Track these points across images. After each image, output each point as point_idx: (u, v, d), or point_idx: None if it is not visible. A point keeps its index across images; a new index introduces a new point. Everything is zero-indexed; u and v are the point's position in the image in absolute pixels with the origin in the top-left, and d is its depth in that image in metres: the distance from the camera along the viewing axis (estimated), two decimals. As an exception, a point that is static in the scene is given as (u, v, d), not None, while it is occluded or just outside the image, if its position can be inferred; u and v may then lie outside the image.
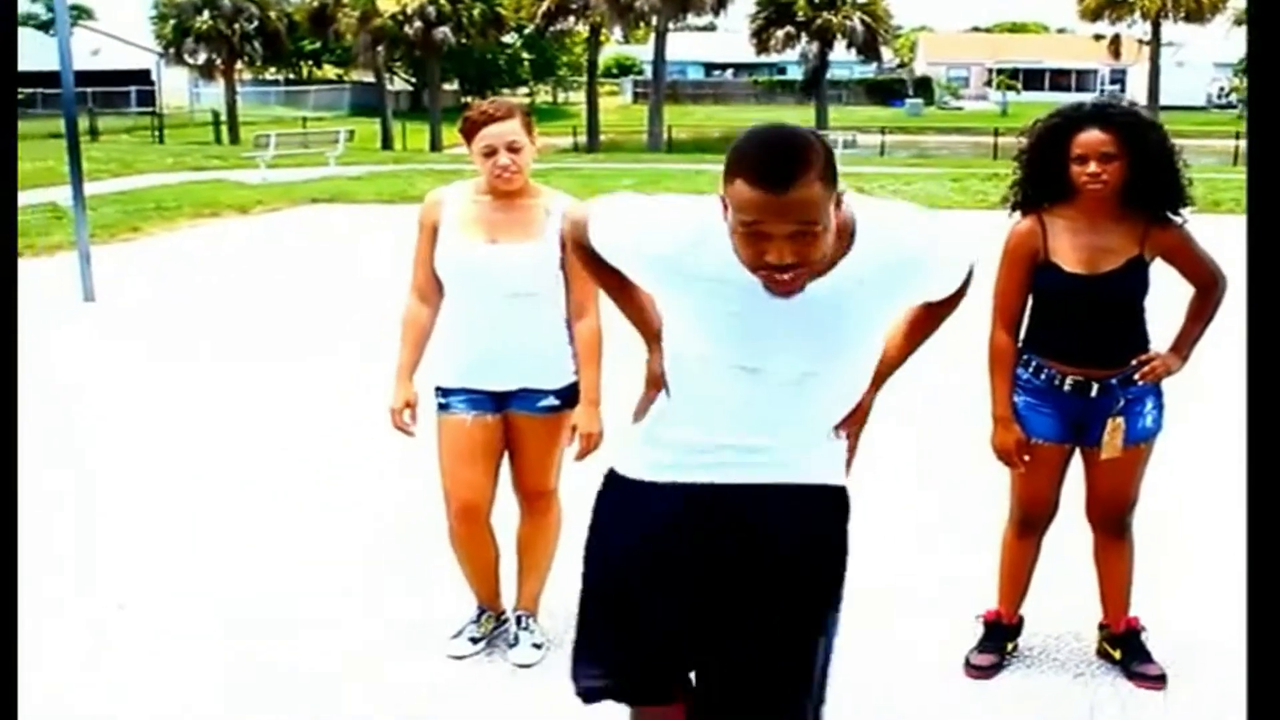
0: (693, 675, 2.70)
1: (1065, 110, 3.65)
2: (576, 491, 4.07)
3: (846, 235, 2.34)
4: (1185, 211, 3.66)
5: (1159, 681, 3.79)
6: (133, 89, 52.29)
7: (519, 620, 4.01)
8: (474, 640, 4.00)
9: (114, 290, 10.94)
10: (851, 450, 2.66)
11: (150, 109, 50.10)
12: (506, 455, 3.85)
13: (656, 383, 2.61)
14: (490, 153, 3.57)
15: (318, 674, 3.91)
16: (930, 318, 2.69)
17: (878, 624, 4.03)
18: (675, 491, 2.56)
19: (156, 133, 42.92)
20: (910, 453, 5.74)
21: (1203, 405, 6.28)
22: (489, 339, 3.69)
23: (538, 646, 3.97)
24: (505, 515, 3.98)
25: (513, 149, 3.57)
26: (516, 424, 3.77)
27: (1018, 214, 3.70)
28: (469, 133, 3.61)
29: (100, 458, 6.14)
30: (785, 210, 2.18)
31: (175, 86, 56.40)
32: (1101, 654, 3.95)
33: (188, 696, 3.78)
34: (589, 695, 2.78)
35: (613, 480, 2.69)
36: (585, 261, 2.70)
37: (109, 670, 3.95)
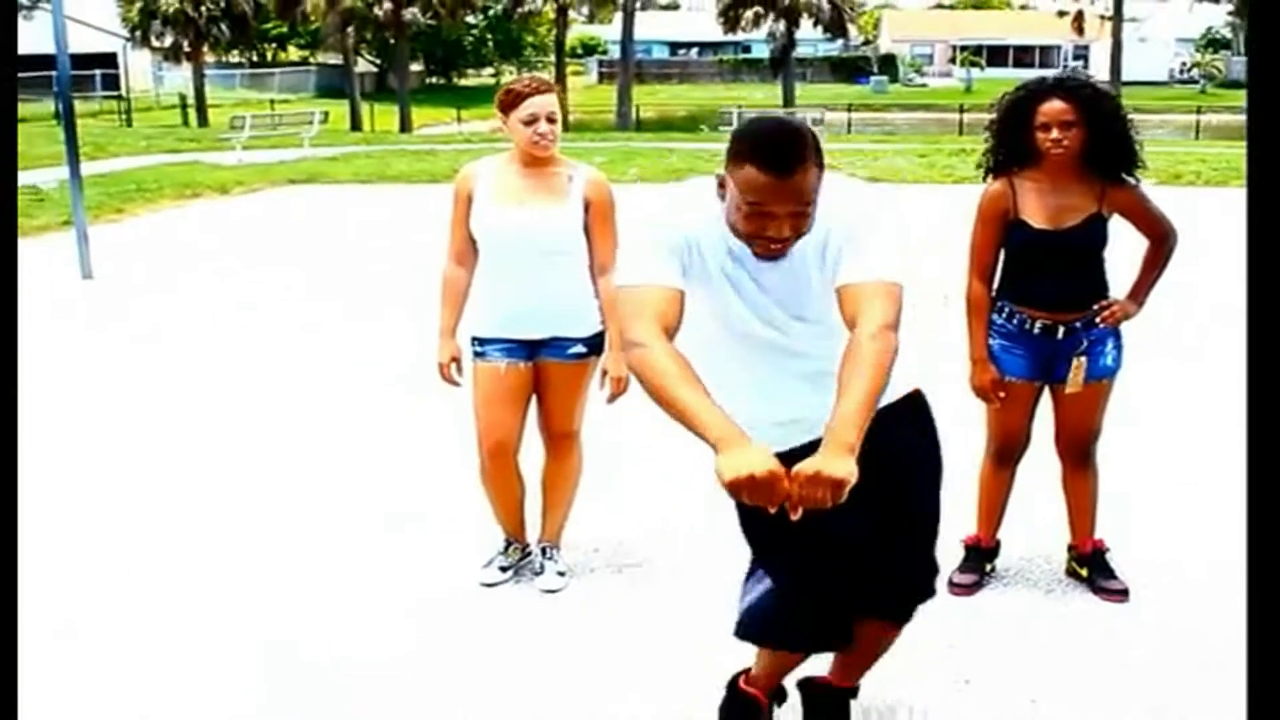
0: None
1: (1029, 84, 4.10)
2: (593, 435, 4.51)
3: None
4: (1147, 182, 4.10)
5: (1122, 595, 4.23)
6: (98, 72, 52.02)
7: (544, 551, 4.42)
8: (503, 569, 4.40)
9: (111, 269, 11.24)
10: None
11: (115, 93, 49.91)
12: (535, 400, 4.25)
13: None
14: (532, 120, 3.99)
15: (361, 596, 4.31)
16: (854, 350, 2.57)
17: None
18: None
19: (124, 116, 42.87)
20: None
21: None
22: (523, 293, 4.10)
23: (562, 574, 4.38)
24: (530, 456, 4.38)
25: (551, 119, 4.01)
26: (547, 370, 4.18)
27: (990, 178, 4.13)
28: (513, 103, 4.02)
29: (118, 434, 6.45)
30: (788, 193, 2.54)
31: (138, 70, 56.16)
32: (1070, 573, 4.39)
33: (223, 634, 4.17)
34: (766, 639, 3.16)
35: None
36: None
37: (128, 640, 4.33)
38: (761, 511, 2.48)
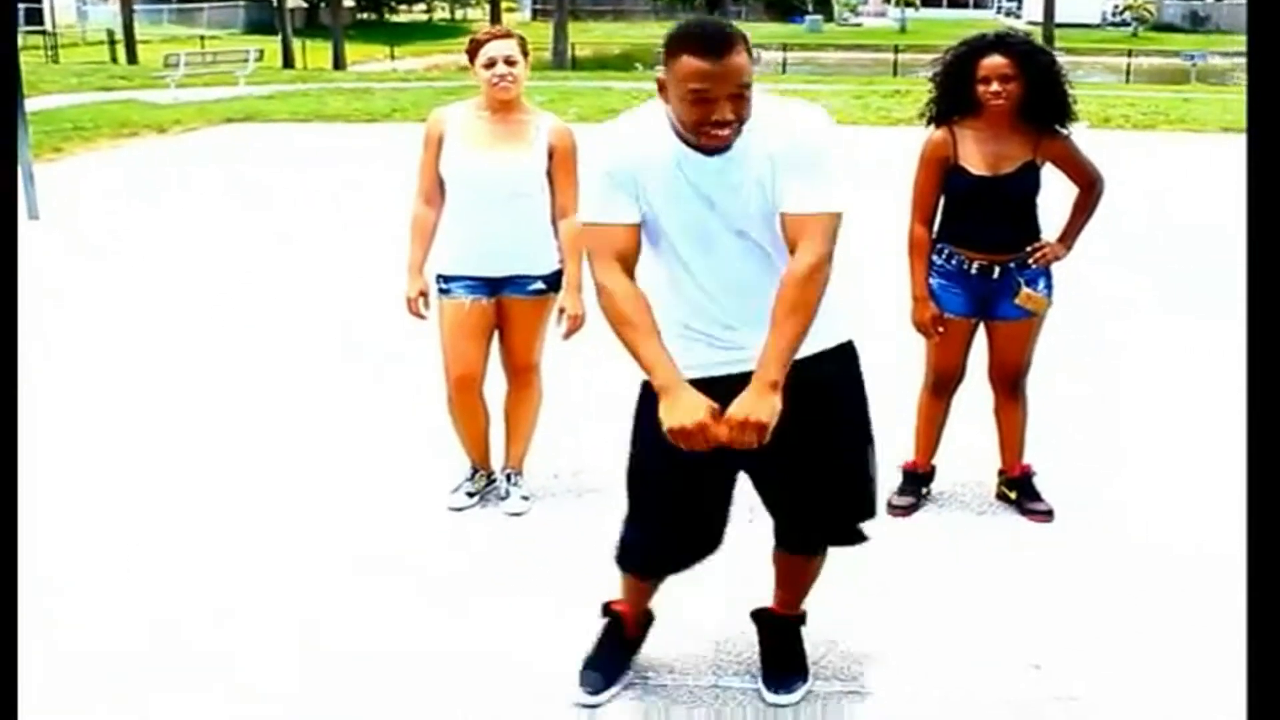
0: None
1: (971, 40, 4.36)
2: (553, 369, 4.74)
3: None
4: (1081, 125, 4.39)
5: (1047, 516, 4.56)
6: (21, 6, 50.81)
7: (508, 477, 4.67)
8: (470, 495, 4.66)
9: (56, 209, 11.22)
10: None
11: (39, 28, 48.90)
12: (497, 335, 4.48)
13: None
14: (491, 64, 4.23)
15: (342, 528, 4.53)
16: (786, 291, 2.81)
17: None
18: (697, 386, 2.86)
19: (50, 52, 42.07)
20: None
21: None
22: (487, 233, 4.33)
23: (525, 499, 4.64)
24: (494, 390, 4.60)
25: (509, 62, 4.24)
26: (508, 306, 4.41)
27: (932, 126, 4.40)
28: (473, 51, 4.28)
29: (75, 378, 6.61)
30: (724, 75, 2.70)
31: (62, 4, 55.01)
32: (1000, 496, 4.71)
33: (206, 571, 4.38)
34: (629, 567, 3.36)
35: (646, 387, 3.01)
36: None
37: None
38: (660, 455, 2.89)
